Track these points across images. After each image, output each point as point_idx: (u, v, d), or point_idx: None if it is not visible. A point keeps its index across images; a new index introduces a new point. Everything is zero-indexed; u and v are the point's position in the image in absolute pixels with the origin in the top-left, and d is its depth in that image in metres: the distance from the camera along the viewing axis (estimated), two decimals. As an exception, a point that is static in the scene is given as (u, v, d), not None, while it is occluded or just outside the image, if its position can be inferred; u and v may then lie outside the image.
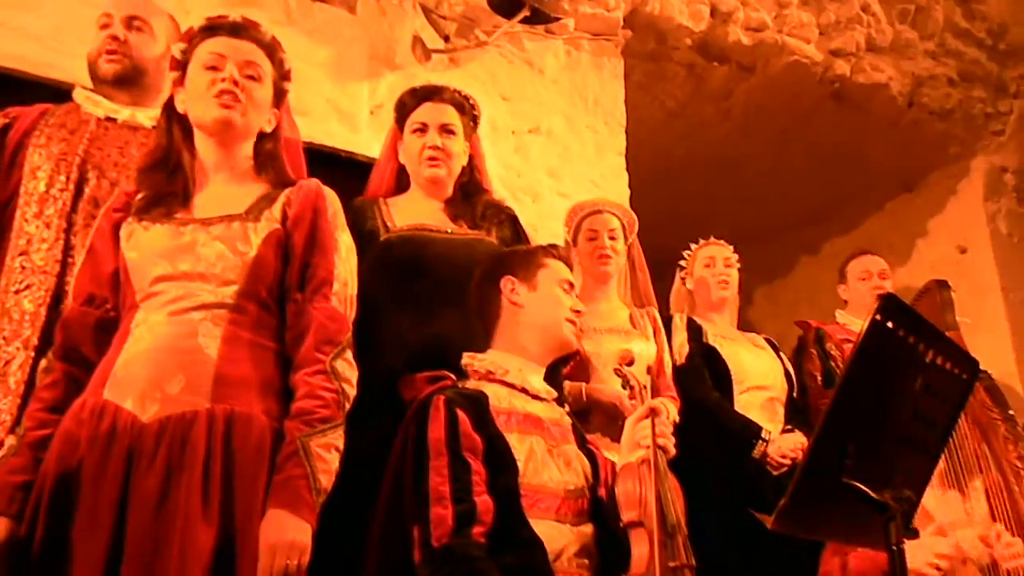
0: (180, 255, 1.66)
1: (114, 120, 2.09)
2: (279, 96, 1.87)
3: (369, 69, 3.26)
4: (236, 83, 1.73)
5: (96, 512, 1.47)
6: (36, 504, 1.50)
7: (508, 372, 2.00)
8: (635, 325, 2.81)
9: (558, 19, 3.55)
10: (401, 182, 2.47)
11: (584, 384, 2.54)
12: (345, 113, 3.15)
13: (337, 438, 1.61)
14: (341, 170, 2.61)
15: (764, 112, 4.68)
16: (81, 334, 1.68)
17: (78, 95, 2.14)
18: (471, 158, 2.47)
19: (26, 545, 1.47)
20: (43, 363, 1.78)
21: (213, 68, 1.75)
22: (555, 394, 2.09)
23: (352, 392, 1.67)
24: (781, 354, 3.20)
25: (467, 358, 2.04)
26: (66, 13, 2.64)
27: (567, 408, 2.20)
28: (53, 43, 2.60)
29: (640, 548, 1.83)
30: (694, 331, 3.04)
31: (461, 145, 2.41)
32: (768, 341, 3.23)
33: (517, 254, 2.19)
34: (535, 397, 2.01)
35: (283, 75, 1.88)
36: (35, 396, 1.67)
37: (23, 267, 1.92)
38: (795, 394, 3.11)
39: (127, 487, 1.49)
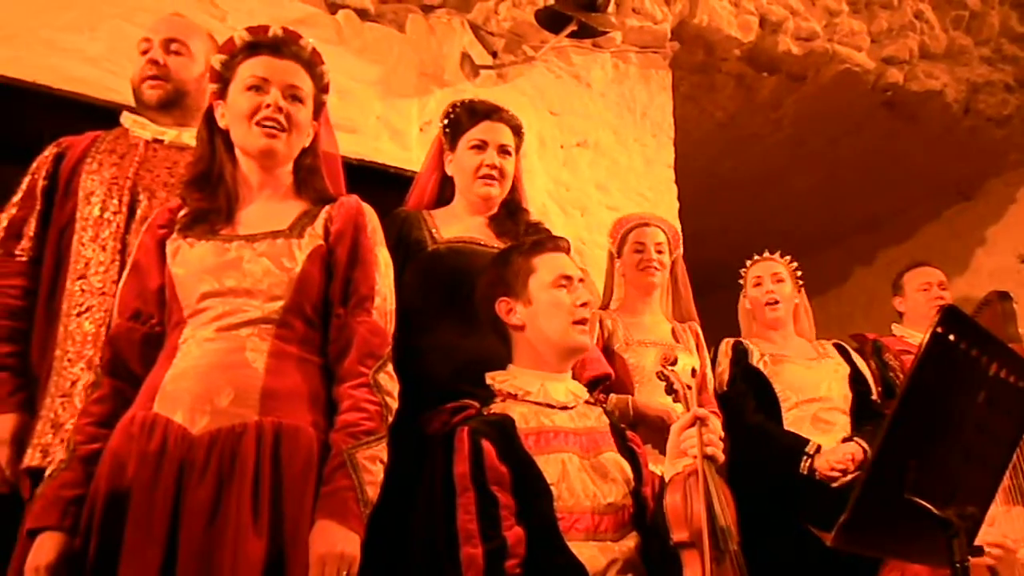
0: (226, 271, 1.68)
1: (161, 142, 2.12)
2: (317, 108, 1.88)
3: (418, 86, 3.29)
4: (279, 109, 1.75)
5: (149, 525, 1.49)
6: (89, 518, 1.52)
7: (529, 392, 1.95)
8: (678, 339, 2.80)
9: (605, 33, 3.55)
10: (442, 195, 2.49)
11: (631, 397, 2.52)
12: (395, 130, 3.18)
13: (381, 450, 1.62)
14: (392, 187, 2.63)
15: (815, 122, 4.63)
16: (128, 349, 1.70)
17: (125, 119, 2.19)
18: (514, 178, 2.48)
19: (80, 559, 1.49)
20: (91, 378, 1.82)
21: (255, 89, 1.76)
22: (584, 397, 2.03)
23: (394, 405, 1.69)
24: (853, 356, 3.12)
25: (489, 378, 2.00)
26: (120, 35, 2.71)
27: (605, 407, 2.15)
28: (108, 65, 2.67)
29: (692, 571, 1.77)
30: (739, 355, 3.01)
31: (512, 166, 2.43)
32: (837, 346, 3.16)
33: (501, 269, 2.05)
34: (562, 408, 1.96)
35: (322, 88, 1.89)
36: (83, 411, 1.70)
37: (83, 290, 1.96)
38: (874, 396, 3.04)
39: (179, 499, 1.51)
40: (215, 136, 1.80)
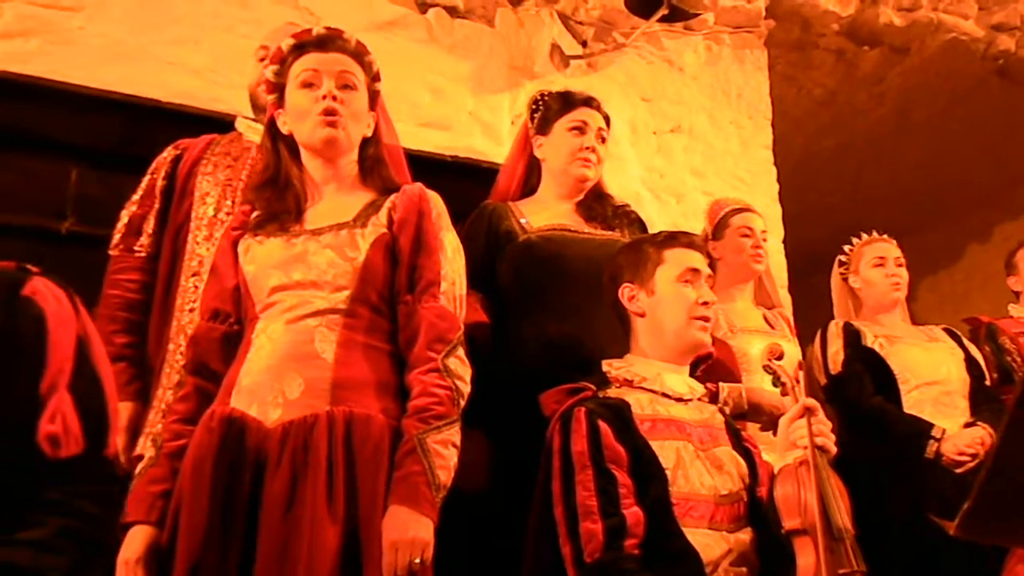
0: (293, 265, 1.71)
1: None
2: (373, 98, 1.90)
3: (509, 80, 3.30)
4: (335, 98, 1.77)
5: (228, 518, 1.53)
6: (176, 512, 1.58)
7: (645, 379, 1.95)
8: (772, 326, 2.74)
9: (697, 15, 3.48)
10: (526, 185, 2.49)
11: (744, 387, 2.47)
12: (487, 125, 3.20)
13: (453, 434, 1.62)
14: (486, 182, 2.65)
15: (921, 94, 4.47)
16: (209, 349, 1.75)
17: (240, 124, 2.28)
18: None
19: (168, 552, 1.55)
20: (176, 378, 1.90)
21: (309, 85, 1.79)
22: (701, 392, 2.02)
23: (466, 389, 1.68)
24: (965, 343, 3.00)
25: (606, 365, 2.01)
26: (224, 47, 2.80)
27: (720, 405, 2.13)
28: (212, 76, 2.76)
29: (806, 558, 1.74)
30: (851, 336, 2.90)
31: (603, 154, 2.44)
32: (947, 331, 3.04)
33: (632, 255, 2.07)
34: (679, 399, 1.95)
35: (373, 77, 1.90)
36: (170, 409, 1.77)
37: (195, 287, 2.04)
38: (987, 382, 2.92)
39: (257, 491, 1.55)
40: (278, 143, 1.85)
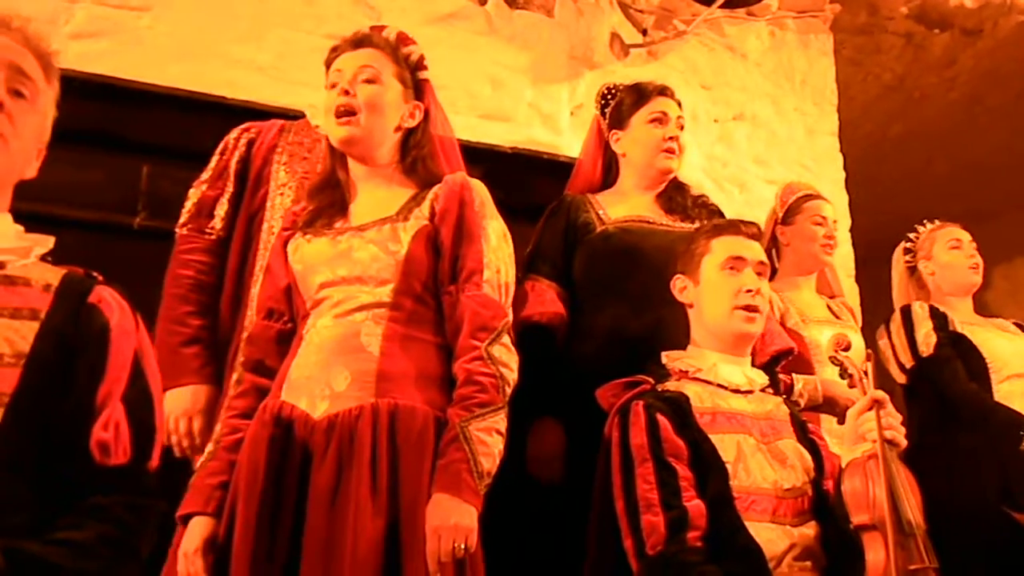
0: (338, 261, 1.74)
1: None
2: (418, 89, 1.90)
3: (568, 70, 3.29)
4: (346, 92, 1.79)
5: (277, 508, 1.57)
6: (233, 503, 1.61)
7: (700, 370, 1.93)
8: (837, 316, 2.69)
9: (760, 0, 3.43)
10: (607, 178, 2.48)
11: (819, 379, 2.41)
12: (547, 116, 3.19)
13: (498, 422, 1.62)
14: (546, 172, 2.65)
15: (994, 78, 4.34)
16: (265, 347, 1.79)
17: (310, 113, 2.26)
18: None
19: (226, 541, 1.58)
20: (234, 376, 1.91)
21: (333, 86, 1.82)
22: (763, 384, 1.99)
23: (512, 376, 1.68)
24: None
25: (665, 357, 1.99)
26: (285, 43, 2.84)
27: (795, 397, 2.09)
28: (275, 72, 2.80)
29: (875, 553, 1.71)
30: (939, 319, 2.79)
31: (684, 141, 2.42)
32: (1018, 326, 2.94)
33: (688, 246, 2.05)
34: (737, 391, 1.92)
35: (414, 66, 1.90)
36: (228, 405, 1.81)
37: None
38: None
39: (304, 483, 1.58)
40: (329, 145, 1.88)
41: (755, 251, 2.00)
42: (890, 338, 2.85)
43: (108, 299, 1.29)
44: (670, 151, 2.34)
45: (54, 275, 1.29)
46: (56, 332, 1.22)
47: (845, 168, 3.65)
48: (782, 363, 2.20)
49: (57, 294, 1.26)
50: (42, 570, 1.09)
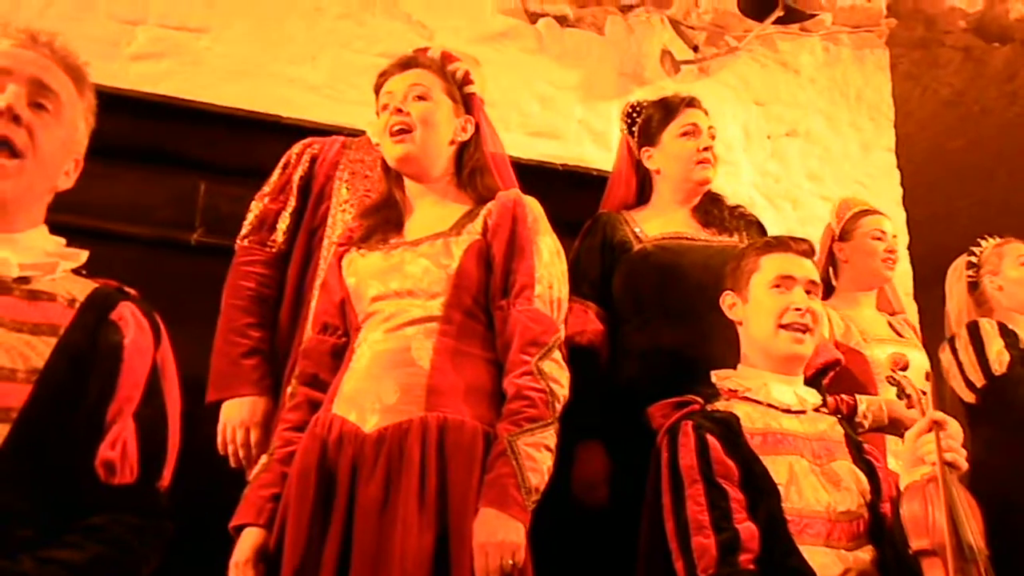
0: (390, 275, 1.76)
1: None
2: (467, 102, 1.92)
3: (618, 87, 3.28)
4: (400, 111, 1.82)
5: (327, 520, 1.57)
6: (284, 514, 1.63)
7: (750, 390, 1.90)
8: (899, 334, 2.63)
9: (814, 15, 3.40)
10: (641, 195, 2.46)
11: (883, 400, 2.35)
12: (597, 133, 3.19)
13: (547, 437, 1.61)
14: (596, 189, 2.63)
15: (1057, 92, 4.22)
16: (319, 360, 1.81)
17: (372, 135, 2.28)
18: None
19: (276, 554, 1.59)
20: (289, 389, 1.92)
21: (386, 107, 1.85)
22: (816, 403, 1.95)
23: (562, 392, 1.66)
24: None
25: (715, 376, 1.97)
26: (339, 63, 2.89)
27: (859, 419, 2.04)
28: (329, 91, 2.85)
29: (935, 580, 1.67)
30: (1009, 336, 2.69)
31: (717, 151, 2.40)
32: None
33: (735, 261, 2.03)
34: (787, 411, 1.88)
35: (461, 82, 1.93)
36: (281, 418, 1.82)
37: None
38: None
39: (354, 495, 1.58)
40: (386, 165, 1.91)
41: (806, 269, 1.96)
42: (956, 356, 2.77)
43: (128, 316, 1.28)
44: (705, 161, 2.32)
45: (82, 289, 1.29)
46: (71, 348, 1.21)
47: (902, 184, 3.59)
48: (828, 376, 2.15)
49: (80, 310, 1.26)
50: None
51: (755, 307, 1.95)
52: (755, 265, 1.98)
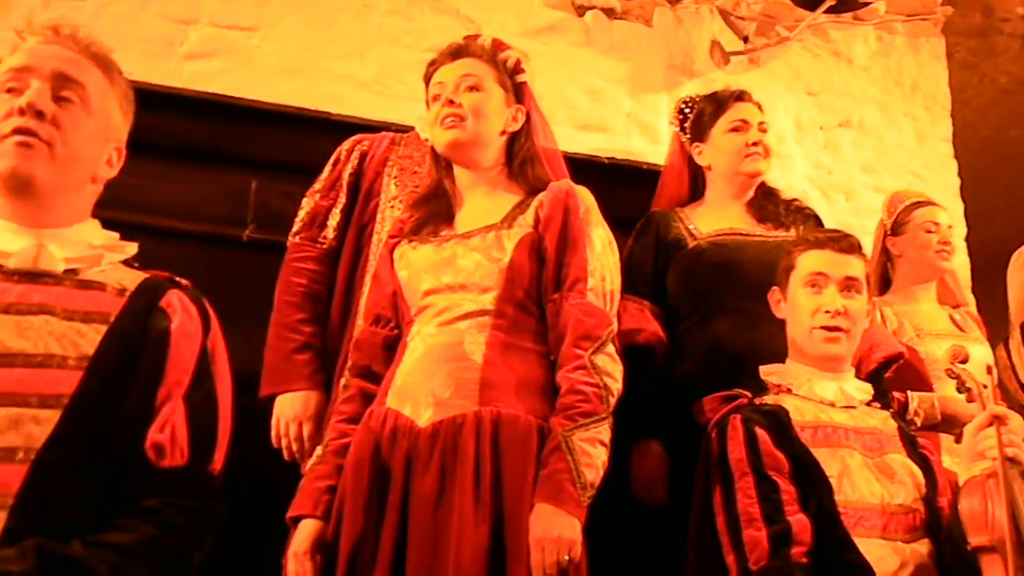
0: (442, 268, 1.75)
1: None
2: (517, 91, 1.91)
3: (667, 80, 3.26)
4: (451, 103, 1.81)
5: (382, 513, 1.58)
6: (340, 506, 1.64)
7: (793, 384, 1.89)
8: (961, 328, 2.57)
9: (867, 4, 3.34)
10: (694, 191, 2.44)
11: (936, 396, 2.31)
12: (645, 126, 3.17)
13: (601, 432, 1.60)
14: (645, 183, 2.62)
15: (1123, 78, 4.10)
16: (371, 352, 1.82)
17: (422, 130, 2.27)
18: None
19: (333, 545, 1.61)
20: (343, 381, 1.93)
21: (437, 97, 1.84)
22: (866, 398, 1.92)
23: (615, 386, 1.65)
24: None
25: (763, 371, 1.95)
26: (387, 59, 2.91)
27: (911, 416, 2.01)
28: (378, 88, 2.87)
29: (994, 576, 1.63)
30: None
31: (769, 143, 2.38)
32: None
33: (784, 259, 2.02)
34: (833, 405, 1.86)
35: (512, 70, 1.91)
36: (335, 410, 1.83)
37: None
38: None
39: (408, 488, 1.59)
40: (437, 155, 1.91)
41: (842, 266, 1.91)
42: (1010, 357, 2.70)
43: (175, 303, 1.30)
44: (756, 154, 2.30)
45: (133, 280, 1.30)
46: (121, 335, 1.23)
47: (960, 175, 3.52)
48: (892, 369, 2.11)
49: (130, 298, 1.27)
50: (74, 573, 1.08)
51: (792, 306, 1.95)
52: (792, 262, 1.96)
